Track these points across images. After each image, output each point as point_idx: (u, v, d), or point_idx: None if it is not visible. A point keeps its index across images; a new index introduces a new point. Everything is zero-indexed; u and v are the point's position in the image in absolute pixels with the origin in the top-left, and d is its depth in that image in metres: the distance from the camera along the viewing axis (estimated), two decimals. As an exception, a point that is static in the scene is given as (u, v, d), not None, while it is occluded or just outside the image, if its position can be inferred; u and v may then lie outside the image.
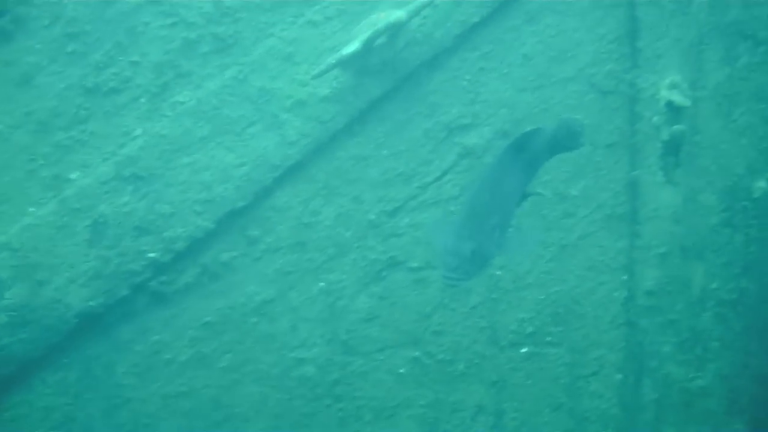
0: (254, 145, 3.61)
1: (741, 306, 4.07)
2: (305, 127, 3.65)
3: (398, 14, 3.58)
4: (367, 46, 3.55)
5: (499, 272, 3.99)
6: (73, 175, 3.53)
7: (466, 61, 3.87)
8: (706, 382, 4.04)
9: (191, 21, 3.55)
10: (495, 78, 3.91)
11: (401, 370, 3.94)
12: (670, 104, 3.90)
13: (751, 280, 4.08)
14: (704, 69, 4.04)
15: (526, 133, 2.65)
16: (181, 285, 3.66)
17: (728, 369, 4.08)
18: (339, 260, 3.84)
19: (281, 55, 3.62)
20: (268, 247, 3.74)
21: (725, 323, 4.05)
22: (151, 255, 3.55)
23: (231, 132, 3.60)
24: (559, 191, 3.99)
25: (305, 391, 3.85)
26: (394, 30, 3.59)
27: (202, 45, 3.58)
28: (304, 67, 3.63)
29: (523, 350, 4.02)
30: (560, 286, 4.04)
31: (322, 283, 3.83)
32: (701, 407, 4.03)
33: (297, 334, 3.82)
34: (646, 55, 3.94)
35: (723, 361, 4.07)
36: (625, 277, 4.04)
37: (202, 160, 3.58)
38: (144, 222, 3.54)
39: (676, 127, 3.89)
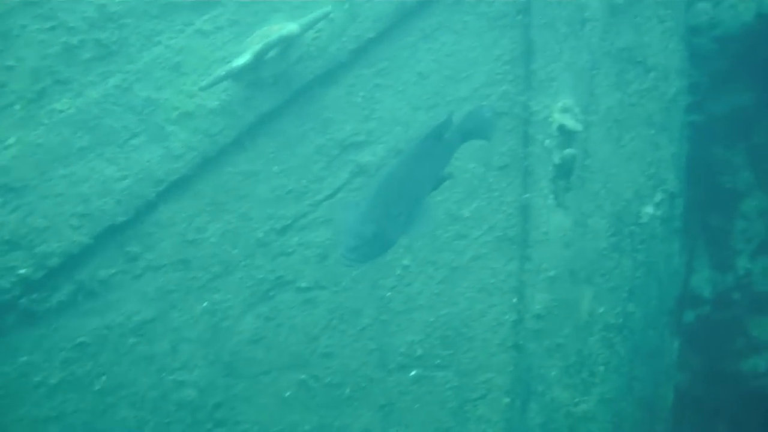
0: (137, 157, 3.96)
1: (627, 330, 4.78)
2: (192, 140, 4.02)
3: (291, 27, 4.00)
4: (259, 58, 3.95)
5: (389, 293, 4.53)
6: (-63, 185, 3.72)
7: (361, 77, 4.35)
8: (590, 406, 4.71)
9: (72, 25, 3.81)
10: (390, 95, 4.41)
11: (287, 394, 4.38)
12: (562, 128, 4.55)
13: (637, 305, 4.81)
14: (596, 94, 4.73)
15: (436, 125, 3.05)
16: (53, 303, 3.94)
17: (613, 393, 4.78)
18: (224, 279, 4.24)
19: (168, 64, 3.97)
20: (149, 265, 4.09)
21: (611, 347, 4.75)
22: (22, 271, 3.84)
23: (112, 143, 3.92)
24: (452, 212, 4.56)
25: (185, 415, 4.22)
26: (287, 43, 4.03)
27: (84, 51, 3.85)
28: (192, 77, 4.00)
29: (412, 373, 4.56)
30: (450, 308, 4.60)
31: (205, 303, 4.20)
32: (585, 431, 4.72)
33: (178, 356, 4.18)
34: (539, 77, 4.57)
35: (608, 385, 4.76)
36: (514, 300, 4.65)
37: (81, 172, 3.89)
38: (15, 236, 3.80)
39: (567, 151, 4.54)
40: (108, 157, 3.90)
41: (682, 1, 5.26)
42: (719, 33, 6.24)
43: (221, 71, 3.88)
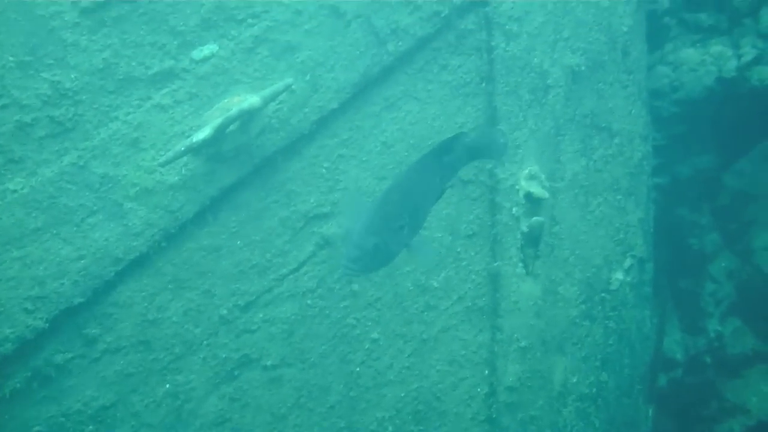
0: (94, 236, 3.86)
1: (601, 400, 4.71)
2: (151, 216, 3.93)
3: (253, 100, 3.95)
4: (220, 132, 3.91)
5: (358, 369, 4.43)
6: None
7: (325, 148, 4.32)
8: (567, 478, 4.62)
9: (25, 103, 3.76)
10: (354, 165, 4.38)
11: (254, 478, 4.26)
12: (529, 196, 4.54)
13: (611, 373, 4.75)
14: (562, 160, 4.73)
15: (446, 140, 3.07)
16: (6, 392, 3.78)
17: (589, 464, 4.69)
18: (187, 359, 4.11)
19: (126, 140, 3.90)
20: (108, 347, 3.94)
21: (586, 419, 4.67)
22: (-27, 358, 3.71)
23: (68, 222, 3.81)
24: (420, 283, 4.50)
25: (146, 506, 4.08)
26: (249, 116, 3.99)
27: (38, 129, 3.76)
28: (151, 153, 3.92)
29: (383, 452, 4.46)
30: (421, 381, 4.51)
31: (168, 385, 4.08)
32: (563, 505, 4.61)
33: (138, 442, 4.07)
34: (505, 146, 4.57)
35: (584, 456, 4.68)
36: (486, 372, 4.58)
37: (35, 254, 3.78)
38: (-35, 321, 3.71)
39: (535, 218, 4.52)
40: (64, 237, 3.79)
41: (642, 66, 5.32)
42: (680, 96, 6.33)
43: (181, 146, 3.81)
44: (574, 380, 4.57)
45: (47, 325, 3.76)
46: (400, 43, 4.25)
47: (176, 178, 3.94)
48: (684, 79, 6.24)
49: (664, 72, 6.35)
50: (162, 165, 3.85)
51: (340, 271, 2.95)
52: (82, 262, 3.80)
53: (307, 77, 4.10)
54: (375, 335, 4.40)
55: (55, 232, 3.77)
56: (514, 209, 4.41)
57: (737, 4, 6.37)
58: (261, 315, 4.20)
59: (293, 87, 4.07)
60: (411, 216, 2.97)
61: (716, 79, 6.15)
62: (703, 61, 6.21)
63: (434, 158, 3.07)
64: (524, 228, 4.41)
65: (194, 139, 3.83)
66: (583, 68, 4.73)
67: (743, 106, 6.17)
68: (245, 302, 4.17)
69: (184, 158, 3.92)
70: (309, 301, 4.26)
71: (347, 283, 4.31)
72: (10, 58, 3.62)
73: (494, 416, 4.45)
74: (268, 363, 4.23)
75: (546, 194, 4.36)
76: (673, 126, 6.44)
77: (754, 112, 6.14)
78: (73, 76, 3.71)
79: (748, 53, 6.08)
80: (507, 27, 4.46)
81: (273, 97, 3.98)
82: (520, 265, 4.44)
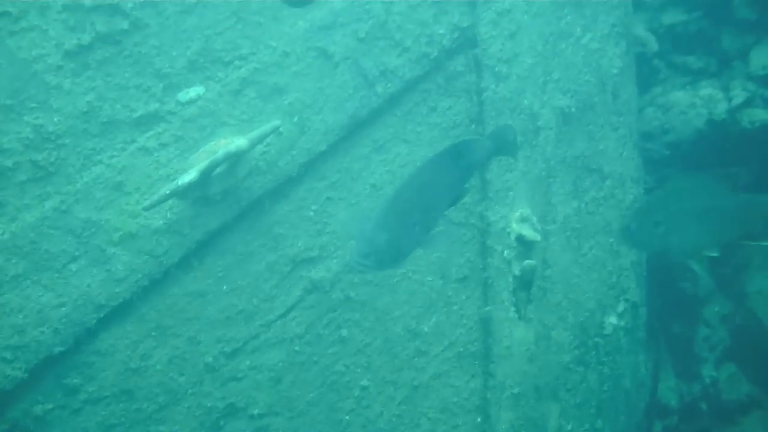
0: (76, 282, 3.78)
1: (596, 447, 4.61)
2: (135, 261, 3.85)
3: (240, 142, 3.89)
4: (206, 175, 3.85)
5: (347, 417, 4.33)
6: None
7: (313, 190, 4.26)
8: None
9: (6, 147, 3.68)
10: (343, 208, 4.32)
11: None
12: (520, 238, 4.48)
13: (605, 421, 4.65)
14: (553, 202, 4.69)
15: (464, 141, 3.05)
16: (-17, 444, 3.71)
17: None
18: (171, 409, 4.00)
19: (109, 184, 3.83)
20: (90, 397, 3.84)
21: (581, 466, 4.57)
22: (-52, 410, 3.60)
23: (50, 269, 3.73)
24: (411, 328, 4.42)
25: None
26: (236, 158, 3.94)
27: (19, 173, 3.69)
28: (135, 197, 3.86)
29: (374, 504, 4.34)
30: (413, 430, 4.41)
31: (150, 436, 4.00)
32: None
33: (120, 496, 3.94)
34: (495, 187, 4.53)
35: (580, 506, 4.56)
36: (479, 420, 4.48)
37: (15, 301, 3.69)
38: (-59, 371, 3.60)
39: (527, 261, 4.46)
40: (45, 283, 3.71)
41: (633, 108, 5.31)
42: (671, 139, 6.32)
43: (166, 189, 3.74)
44: (569, 428, 4.48)
45: (26, 375, 3.66)
46: (388, 85, 4.23)
47: (161, 222, 3.87)
48: (674, 121, 6.24)
49: (655, 114, 6.35)
50: (146, 209, 3.77)
51: (350, 268, 2.85)
52: (64, 309, 3.72)
53: (295, 119, 4.06)
54: (365, 382, 4.31)
55: (35, 278, 3.69)
56: (505, 252, 4.35)
57: (726, 46, 6.40)
58: (247, 362, 4.11)
59: (281, 129, 4.02)
60: (423, 215, 2.94)
61: (707, 122, 6.15)
62: (693, 103, 6.22)
63: (449, 158, 3.02)
64: (516, 271, 4.34)
65: (180, 183, 3.76)
66: (573, 110, 4.71)
67: (734, 148, 6.16)
68: (231, 349, 4.09)
69: (170, 202, 3.85)
70: (297, 348, 4.18)
71: (335, 329, 4.23)
72: (-8, 102, 3.55)
73: (488, 465, 4.34)
74: (255, 412, 4.13)
75: (538, 237, 4.31)
76: (664, 168, 6.42)
77: (745, 154, 6.13)
78: (56, 119, 3.65)
79: (739, 95, 6.09)
80: (496, 69, 4.44)
81: (260, 140, 3.92)
82: (513, 309, 4.37)
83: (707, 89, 6.27)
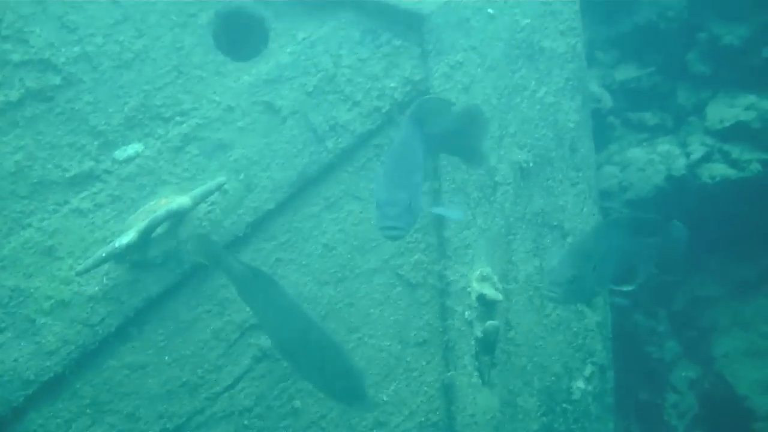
0: (1, 357, 3.52)
1: None
2: (68, 332, 3.60)
3: (182, 200, 3.70)
4: (145, 236, 3.65)
5: (302, 497, 4.06)
6: None
7: (262, 251, 4.06)
8: None
9: (-73, 210, 3.51)
10: (294, 270, 4.13)
11: None
12: (481, 298, 4.31)
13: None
14: (513, 260, 4.55)
15: (420, 102, 3.15)
16: None
17: None
18: (107, 495, 3.74)
19: (39, 248, 3.61)
20: (15, 486, 3.58)
21: None
22: None
23: (-28, 341, 3.51)
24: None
25: None
26: (177, 218, 3.75)
27: (-60, 238, 3.52)
28: (68, 262, 3.64)
29: None
30: None
31: None
32: None
33: None
34: (453, 245, 4.37)
35: None
36: (445, 497, 4.24)
37: (-68, 377, 3.44)
38: None
39: (489, 322, 4.28)
40: (-35, 357, 3.43)
41: (591, 163, 5.24)
42: (630, 196, 6.27)
43: (102, 252, 3.55)
44: (539, 502, 4.24)
45: (-57, 459, 3.34)
46: (339, 140, 4.10)
47: (96, 288, 3.66)
48: (632, 178, 6.19)
49: (612, 172, 6.31)
50: (80, 274, 3.57)
51: (384, 234, 2.86)
52: (-13, 385, 3.43)
53: (241, 176, 3.90)
54: (319, 458, 4.05)
55: (-44, 352, 3.40)
56: (466, 313, 4.18)
57: (682, 101, 6.43)
58: (192, 439, 3.83)
59: (226, 187, 3.86)
60: (419, 174, 3.03)
61: (666, 178, 6.12)
62: (651, 160, 6.19)
63: (414, 124, 3.12)
64: (479, 333, 4.17)
65: (117, 245, 3.57)
66: (531, 165, 4.62)
67: (695, 205, 6.12)
68: (174, 426, 3.84)
69: (106, 266, 3.65)
70: (246, 422, 3.94)
71: (288, 401, 3.99)
72: None
73: None
74: (200, 494, 3.83)
75: (500, 296, 4.15)
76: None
77: (707, 209, 6.09)
78: (-20, 180, 3.44)
79: (697, 150, 6.09)
80: (451, 122, 4.32)
81: (204, 198, 3.75)
82: (476, 374, 4.17)
83: (665, 145, 6.26)
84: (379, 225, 2.85)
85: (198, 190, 3.72)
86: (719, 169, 5.98)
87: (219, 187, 3.77)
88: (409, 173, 2.95)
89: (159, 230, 3.67)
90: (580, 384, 4.53)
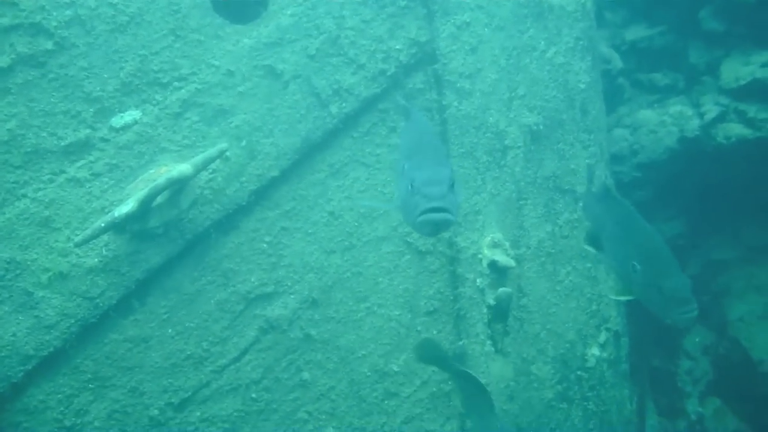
0: (-1, 331, 3.45)
1: (585, 491, 4.29)
2: (67, 305, 3.50)
3: (182, 168, 3.56)
4: (145, 205, 3.53)
5: (312, 472, 3.98)
6: None
7: (265, 220, 3.95)
8: None
9: None
10: (299, 239, 4.02)
11: None
12: (493, 265, 4.20)
13: (594, 461, 4.35)
14: (525, 226, 4.43)
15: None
16: None
17: None
18: (112, 471, 3.66)
19: (36, 219, 3.50)
20: (17, 461, 3.50)
21: None
22: None
23: (-32, 316, 3.41)
24: (378, 368, 4.09)
25: None
26: (178, 186, 3.62)
27: (-67, 212, 3.41)
28: (65, 233, 3.53)
29: None
30: (384, 483, 4.07)
31: (88, 502, 3.62)
32: None
33: None
34: (463, 210, 4.26)
35: None
36: (457, 466, 4.16)
37: (-72, 354, 3.35)
38: None
39: (501, 289, 4.17)
40: (-37, 333, 3.34)
41: (602, 125, 5.11)
42: (642, 160, 6.13)
43: (100, 223, 3.43)
44: (555, 471, 4.16)
45: (-57, 437, 3.26)
46: (343, 105, 3.97)
47: (96, 260, 3.54)
48: (644, 141, 6.05)
49: (623, 135, 6.17)
50: (78, 245, 3.45)
51: (427, 219, 2.34)
52: (-16, 361, 3.34)
53: (243, 143, 3.77)
54: (330, 430, 3.97)
55: (-49, 328, 3.31)
56: (478, 281, 4.07)
57: (694, 61, 6.26)
58: (198, 414, 3.77)
59: (228, 154, 3.73)
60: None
61: (678, 140, 5.97)
62: (663, 121, 6.05)
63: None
64: (491, 301, 4.06)
65: (116, 214, 3.44)
66: (541, 127, 4.49)
67: (710, 166, 5.98)
68: (179, 400, 3.74)
69: (105, 237, 3.52)
70: (253, 395, 3.84)
71: (296, 372, 3.90)
72: None
73: None
74: (207, 470, 3.75)
75: (512, 262, 4.04)
76: (636, 191, 6.21)
77: (721, 171, 5.95)
78: (-28, 149, 3.33)
79: (712, 110, 5.92)
80: (458, 85, 4.21)
81: (205, 165, 3.63)
82: (489, 342, 4.07)
83: (677, 106, 6.11)
84: (421, 209, 2.33)
85: (199, 158, 3.60)
86: (735, 129, 5.83)
87: (221, 154, 3.64)
88: (438, 148, 2.73)
89: (159, 199, 3.55)
90: (595, 351, 4.43)
